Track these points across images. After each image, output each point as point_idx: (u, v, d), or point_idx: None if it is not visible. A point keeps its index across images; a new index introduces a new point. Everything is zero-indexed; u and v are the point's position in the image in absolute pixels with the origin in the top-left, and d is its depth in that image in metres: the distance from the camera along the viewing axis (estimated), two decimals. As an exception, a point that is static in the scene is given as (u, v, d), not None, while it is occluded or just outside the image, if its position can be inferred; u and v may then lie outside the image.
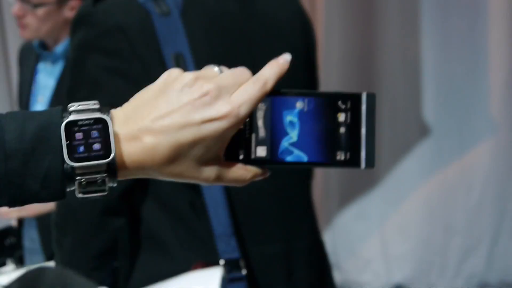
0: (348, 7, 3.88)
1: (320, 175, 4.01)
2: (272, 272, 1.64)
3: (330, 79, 3.83)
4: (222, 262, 1.52)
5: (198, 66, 1.49)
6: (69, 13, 2.64)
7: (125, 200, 1.55)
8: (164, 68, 1.48)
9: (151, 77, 1.47)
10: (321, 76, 1.87)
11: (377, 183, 3.96)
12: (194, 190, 1.52)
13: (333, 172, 4.01)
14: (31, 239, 2.61)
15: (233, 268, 1.52)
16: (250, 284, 1.56)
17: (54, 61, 2.74)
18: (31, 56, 2.81)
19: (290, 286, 1.65)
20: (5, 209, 2.37)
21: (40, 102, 2.71)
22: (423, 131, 3.88)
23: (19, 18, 2.65)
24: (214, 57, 1.54)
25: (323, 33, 3.87)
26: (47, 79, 2.75)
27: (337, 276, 3.94)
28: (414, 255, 3.89)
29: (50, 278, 0.53)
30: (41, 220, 2.54)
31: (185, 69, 1.47)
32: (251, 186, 1.61)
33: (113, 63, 1.50)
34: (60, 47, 2.71)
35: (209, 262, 1.53)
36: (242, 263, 1.53)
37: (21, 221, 2.65)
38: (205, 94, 0.79)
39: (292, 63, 1.65)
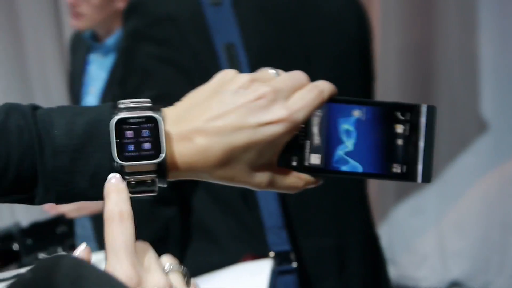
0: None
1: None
2: (324, 265, 1.63)
3: (387, 73, 3.79)
4: (272, 254, 1.51)
5: (250, 56, 1.49)
6: (121, 4, 2.66)
7: (176, 190, 1.55)
8: (215, 59, 1.48)
9: (202, 67, 1.48)
10: (377, 69, 1.84)
11: (434, 178, 3.91)
12: None
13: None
14: (83, 226, 2.64)
15: (283, 261, 1.51)
16: (301, 277, 1.55)
17: (105, 53, 2.76)
18: (82, 46, 2.84)
19: (342, 280, 1.63)
20: (66, 208, 2.39)
21: (92, 93, 2.73)
22: (481, 126, 3.82)
23: (73, 7, 2.67)
24: (266, 48, 1.54)
25: (379, 26, 3.83)
26: (98, 71, 2.77)
27: (393, 271, 3.89)
28: (472, 251, 3.82)
29: (66, 267, 0.53)
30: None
31: (237, 59, 1.48)
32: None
33: (164, 52, 1.50)
34: (111, 39, 2.73)
35: (259, 254, 1.52)
36: (292, 256, 1.52)
37: None
38: (261, 97, 0.76)
39: (347, 53, 1.64)
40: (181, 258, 1.60)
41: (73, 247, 2.49)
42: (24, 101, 0.77)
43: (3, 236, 2.29)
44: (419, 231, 3.96)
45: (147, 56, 1.51)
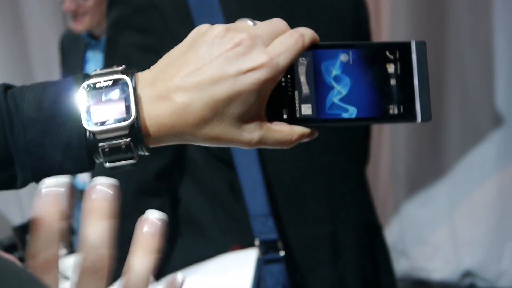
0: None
1: (386, 162, 3.94)
2: (316, 254, 1.59)
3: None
4: (257, 243, 1.47)
5: None
6: None
7: (162, 181, 1.53)
8: None
9: None
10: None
11: (446, 170, 3.87)
12: (234, 171, 1.49)
13: (400, 159, 3.93)
14: (78, 221, 2.63)
15: (270, 249, 1.47)
16: (290, 266, 1.52)
17: (103, 49, 2.75)
18: (76, 45, 2.83)
19: (338, 269, 1.60)
20: None
21: None
22: (494, 117, 3.76)
23: (74, 11, 2.67)
24: None
25: (389, 13, 3.79)
26: (98, 67, 2.75)
27: (405, 264, 3.87)
28: (485, 241, 3.78)
29: None
30: None
31: None
32: (294, 166, 1.57)
33: (146, 41, 1.48)
34: None
35: (247, 244, 1.49)
36: (280, 244, 1.48)
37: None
38: (238, 44, 0.72)
39: (341, 38, 1.61)
40: (170, 251, 1.58)
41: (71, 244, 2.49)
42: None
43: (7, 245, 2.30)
44: (431, 222, 3.93)
45: (129, 44, 1.49)
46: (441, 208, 3.90)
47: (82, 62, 2.80)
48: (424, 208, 3.93)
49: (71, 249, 2.53)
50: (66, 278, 0.65)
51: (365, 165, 1.72)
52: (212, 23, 1.45)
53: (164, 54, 1.46)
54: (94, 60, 2.80)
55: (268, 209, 1.49)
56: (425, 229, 3.93)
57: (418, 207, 3.94)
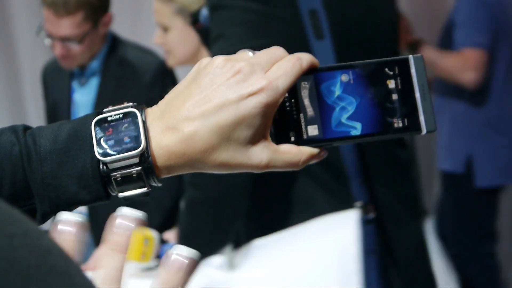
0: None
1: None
2: (400, 212, 1.67)
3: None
4: (358, 204, 1.55)
5: (333, 24, 1.57)
6: (103, 29, 2.63)
7: None
8: (299, 22, 1.57)
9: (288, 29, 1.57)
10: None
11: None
12: None
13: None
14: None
15: (364, 211, 1.55)
16: (378, 226, 1.59)
17: (88, 77, 2.71)
18: (60, 75, 2.76)
19: (418, 227, 1.71)
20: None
21: None
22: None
23: (64, 56, 2.59)
24: (344, 17, 1.60)
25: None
26: (84, 97, 2.72)
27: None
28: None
29: None
30: (93, 215, 2.46)
31: (319, 25, 1.57)
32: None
33: (261, 7, 1.55)
34: (95, 63, 2.67)
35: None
36: (370, 206, 1.56)
37: None
38: (237, 72, 0.75)
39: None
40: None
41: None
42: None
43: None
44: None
45: (246, 10, 1.56)
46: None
47: (69, 92, 2.75)
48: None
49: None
50: None
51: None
52: (312, 5, 1.55)
53: (276, 19, 1.57)
54: (80, 90, 2.74)
55: (361, 172, 1.57)
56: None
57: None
